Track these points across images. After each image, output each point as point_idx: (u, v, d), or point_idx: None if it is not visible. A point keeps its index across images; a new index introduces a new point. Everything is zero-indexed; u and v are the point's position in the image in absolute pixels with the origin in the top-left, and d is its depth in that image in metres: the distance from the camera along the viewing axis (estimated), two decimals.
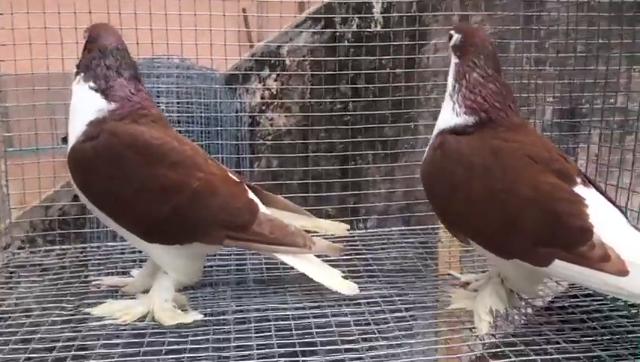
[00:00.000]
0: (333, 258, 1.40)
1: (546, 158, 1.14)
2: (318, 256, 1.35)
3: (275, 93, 2.16)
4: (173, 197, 1.16)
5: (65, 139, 1.32)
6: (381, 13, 2.15)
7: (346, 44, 2.12)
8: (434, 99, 2.26)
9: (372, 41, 2.06)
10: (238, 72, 2.11)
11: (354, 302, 1.31)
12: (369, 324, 1.22)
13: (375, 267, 1.55)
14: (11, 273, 1.61)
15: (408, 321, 1.22)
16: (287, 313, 1.25)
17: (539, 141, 1.22)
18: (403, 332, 1.17)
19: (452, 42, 1.32)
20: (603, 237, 1.03)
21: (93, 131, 1.19)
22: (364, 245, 1.70)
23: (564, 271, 1.06)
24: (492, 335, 1.18)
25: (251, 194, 1.30)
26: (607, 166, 1.79)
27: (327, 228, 1.44)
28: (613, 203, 1.17)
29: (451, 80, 1.29)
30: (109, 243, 1.75)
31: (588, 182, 1.16)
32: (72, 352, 1.11)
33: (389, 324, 1.21)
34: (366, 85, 2.07)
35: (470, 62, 1.26)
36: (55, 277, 1.52)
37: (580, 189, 1.11)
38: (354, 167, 2.08)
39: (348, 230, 1.49)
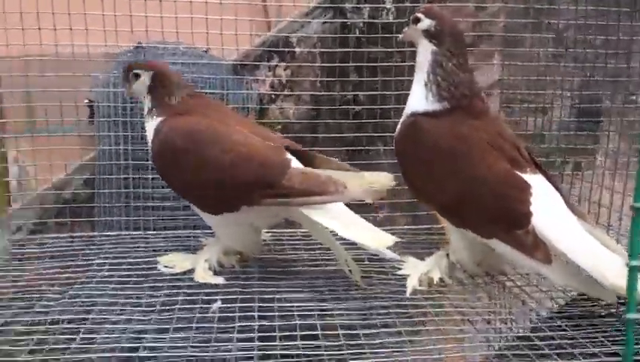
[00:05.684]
0: None
1: (502, 146, 1.28)
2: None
3: (285, 82, 2.14)
4: (213, 173, 1.32)
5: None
6: (393, 3, 2.13)
7: (357, 34, 2.10)
8: None
9: (384, 32, 2.03)
10: (247, 62, 2.09)
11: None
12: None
13: None
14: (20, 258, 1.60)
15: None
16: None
17: (499, 129, 1.34)
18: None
19: (423, 26, 1.35)
20: (538, 225, 1.17)
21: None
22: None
23: (502, 249, 1.21)
24: (509, 329, 1.18)
25: (288, 155, 1.36)
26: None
27: (376, 181, 1.34)
28: (558, 188, 1.30)
29: (427, 67, 1.34)
30: (123, 233, 1.75)
31: (537, 168, 1.31)
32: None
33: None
34: (372, 77, 2.02)
35: (447, 52, 1.32)
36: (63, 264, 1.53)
37: (528, 176, 1.25)
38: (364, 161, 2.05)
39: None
